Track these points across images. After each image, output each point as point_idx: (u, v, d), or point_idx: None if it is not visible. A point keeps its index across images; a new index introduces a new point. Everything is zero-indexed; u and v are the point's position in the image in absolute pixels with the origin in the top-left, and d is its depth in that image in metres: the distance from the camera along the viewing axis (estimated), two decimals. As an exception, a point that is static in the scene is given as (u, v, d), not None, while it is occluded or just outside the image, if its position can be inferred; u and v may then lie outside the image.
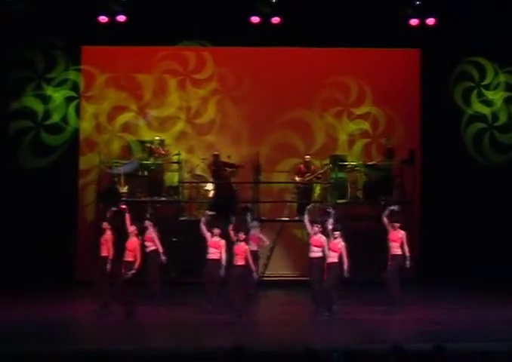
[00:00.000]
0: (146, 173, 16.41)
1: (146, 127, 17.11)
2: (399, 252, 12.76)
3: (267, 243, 14.38)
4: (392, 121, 17.32)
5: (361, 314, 12.38)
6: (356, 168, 16.78)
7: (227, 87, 17.29)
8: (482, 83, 17.23)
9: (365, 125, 17.34)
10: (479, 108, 17.24)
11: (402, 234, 12.88)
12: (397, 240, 12.82)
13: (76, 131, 16.88)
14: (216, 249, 12.63)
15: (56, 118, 16.83)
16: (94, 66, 17.00)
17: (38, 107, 16.81)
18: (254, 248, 13.66)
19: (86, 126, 16.99)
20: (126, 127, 17.09)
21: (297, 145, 17.26)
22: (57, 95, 16.90)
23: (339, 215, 13.29)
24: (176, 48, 17.15)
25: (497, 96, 17.25)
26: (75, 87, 17.02)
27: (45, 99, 16.85)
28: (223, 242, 12.71)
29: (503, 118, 17.20)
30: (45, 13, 15.64)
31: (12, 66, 16.60)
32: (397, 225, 12.90)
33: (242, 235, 12.45)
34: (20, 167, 16.36)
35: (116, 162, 16.46)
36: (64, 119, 16.87)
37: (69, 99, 16.94)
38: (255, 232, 13.90)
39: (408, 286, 13.33)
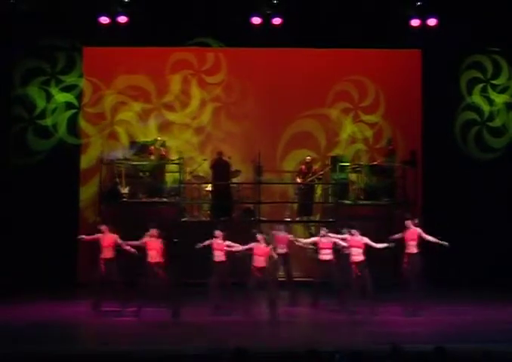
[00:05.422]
0: (147, 173, 16.38)
1: (148, 128, 17.10)
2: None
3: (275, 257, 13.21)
4: (393, 121, 17.30)
5: (363, 314, 12.34)
6: (358, 169, 16.76)
7: (233, 88, 17.30)
8: (492, 81, 17.20)
9: (369, 132, 17.33)
10: (478, 100, 17.22)
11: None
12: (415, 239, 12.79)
13: (61, 140, 16.81)
14: (221, 251, 12.68)
15: (49, 121, 16.83)
16: (97, 75, 16.97)
17: (40, 102, 16.82)
18: (283, 250, 13.58)
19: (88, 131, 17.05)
20: (127, 127, 17.10)
21: (302, 146, 17.25)
22: (60, 97, 16.90)
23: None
24: (180, 48, 17.13)
25: (500, 99, 17.22)
26: (80, 96, 17.01)
27: (49, 97, 16.87)
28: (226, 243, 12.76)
29: (498, 121, 17.17)
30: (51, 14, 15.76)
31: (33, 55, 16.68)
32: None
33: (260, 237, 12.40)
34: (13, 164, 16.42)
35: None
36: (55, 126, 16.85)
37: (68, 106, 16.91)
38: (281, 234, 13.80)
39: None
